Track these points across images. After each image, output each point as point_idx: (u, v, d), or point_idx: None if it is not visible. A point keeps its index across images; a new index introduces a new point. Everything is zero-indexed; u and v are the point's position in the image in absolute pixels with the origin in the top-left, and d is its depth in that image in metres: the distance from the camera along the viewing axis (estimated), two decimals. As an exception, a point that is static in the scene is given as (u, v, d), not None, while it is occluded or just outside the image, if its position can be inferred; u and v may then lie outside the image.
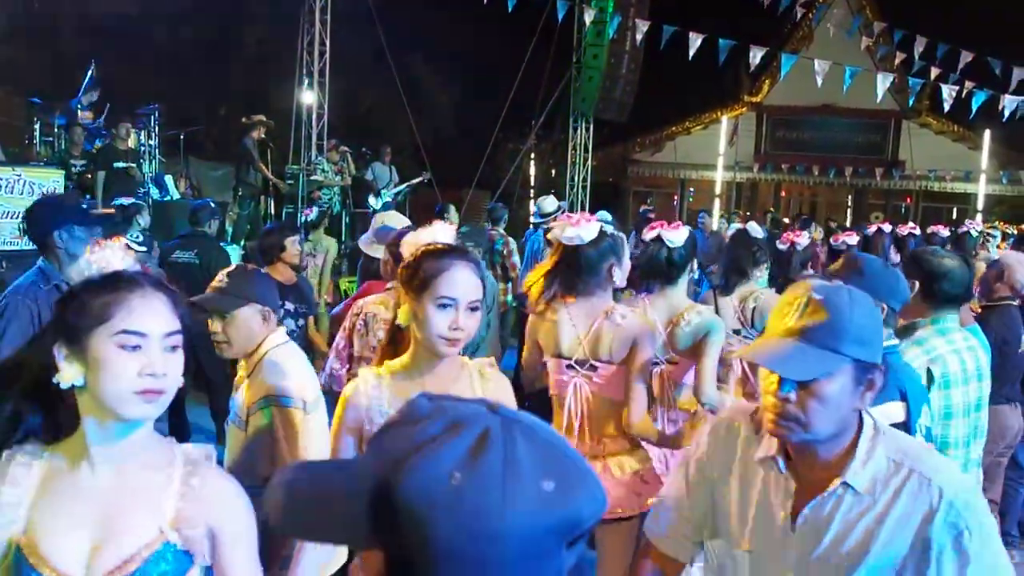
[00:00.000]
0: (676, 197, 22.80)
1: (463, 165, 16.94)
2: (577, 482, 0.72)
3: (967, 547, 1.30)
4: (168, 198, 11.25)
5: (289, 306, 4.66)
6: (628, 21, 11.67)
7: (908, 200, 21.91)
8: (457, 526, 0.68)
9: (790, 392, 1.35)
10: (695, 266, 3.11)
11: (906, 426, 2.12)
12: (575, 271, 2.66)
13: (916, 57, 10.18)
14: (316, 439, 2.33)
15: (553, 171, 20.70)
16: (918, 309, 2.67)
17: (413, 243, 1.97)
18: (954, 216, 21.36)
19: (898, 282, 2.37)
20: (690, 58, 9.56)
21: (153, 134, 12.96)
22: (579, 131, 15.21)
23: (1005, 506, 4.34)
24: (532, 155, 21.44)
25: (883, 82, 9.62)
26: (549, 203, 7.52)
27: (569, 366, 2.66)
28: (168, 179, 12.19)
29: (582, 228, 2.65)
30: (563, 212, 7.08)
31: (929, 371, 2.56)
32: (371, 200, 11.78)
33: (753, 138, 21.50)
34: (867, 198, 21.99)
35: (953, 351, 2.64)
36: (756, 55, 9.57)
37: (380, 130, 18.56)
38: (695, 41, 9.51)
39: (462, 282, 1.82)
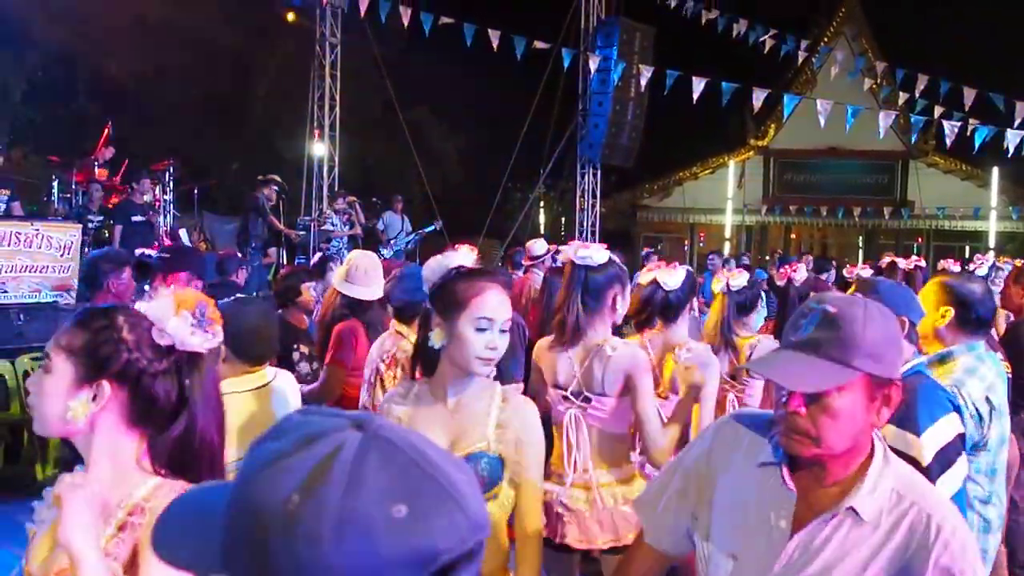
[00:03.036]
0: (687, 242, 22.88)
1: (473, 214, 17.13)
2: (437, 509, 0.64)
3: None
4: (182, 251, 11.41)
5: (304, 349, 4.69)
6: (632, 68, 11.88)
7: (919, 240, 21.89)
8: (292, 554, 0.61)
9: (801, 406, 1.32)
10: (696, 305, 3.13)
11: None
12: (583, 295, 2.65)
13: (918, 96, 10.28)
14: None
15: (563, 218, 20.87)
16: (954, 336, 2.59)
17: (439, 266, 1.98)
18: (966, 254, 21.33)
19: (914, 298, 2.35)
20: (694, 102, 9.70)
21: (168, 188, 13.22)
22: (587, 178, 15.35)
23: (1014, 542, 4.24)
24: (541, 203, 21.65)
25: (885, 121, 9.70)
26: (539, 246, 7.63)
27: (565, 397, 2.68)
28: (183, 232, 12.40)
29: (593, 250, 2.67)
30: (550, 254, 7.15)
31: (988, 399, 2.47)
32: (382, 250, 11.88)
33: (761, 181, 21.64)
34: (878, 238, 21.99)
35: (998, 375, 2.57)
36: (759, 97, 9.69)
37: (390, 181, 18.82)
38: (698, 85, 9.65)
39: (498, 304, 1.88)
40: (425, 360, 2.01)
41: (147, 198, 10.17)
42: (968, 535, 1.31)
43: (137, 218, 9.33)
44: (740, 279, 3.63)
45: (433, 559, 0.63)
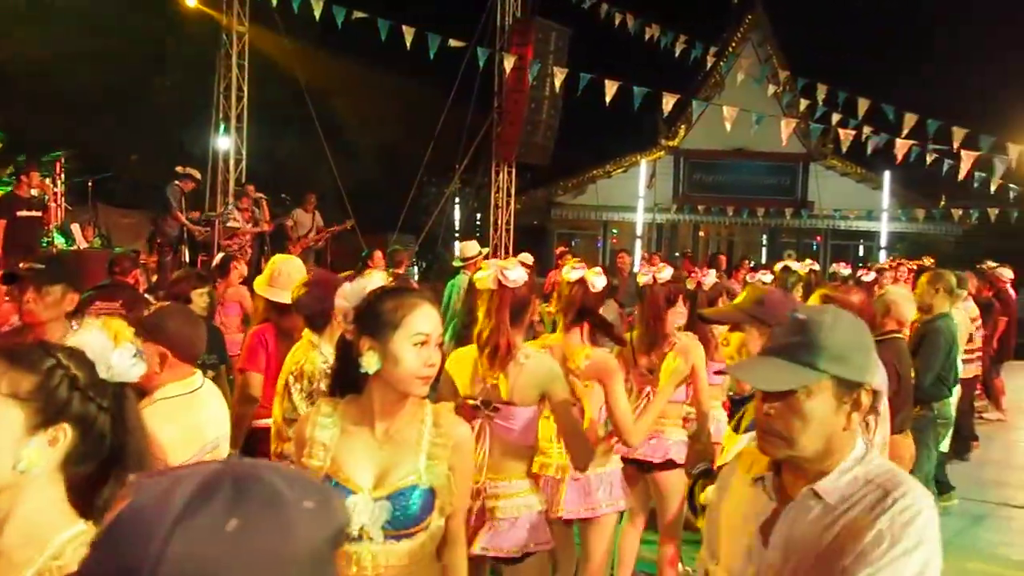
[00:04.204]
0: (600, 239, 23.23)
1: (387, 210, 16.92)
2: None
3: (901, 551, 1.29)
4: (73, 246, 10.89)
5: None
6: (547, 68, 11.96)
7: (818, 239, 22.85)
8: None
9: (772, 407, 1.40)
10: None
11: None
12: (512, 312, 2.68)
13: (819, 103, 10.73)
14: None
15: (478, 215, 20.86)
16: None
17: (350, 292, 1.92)
18: (860, 252, 22.43)
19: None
20: (607, 104, 9.85)
21: (59, 181, 12.55)
22: (501, 175, 15.40)
23: None
24: (456, 199, 21.57)
25: (786, 127, 10.10)
26: (471, 247, 7.66)
27: (475, 407, 2.69)
28: (75, 227, 11.80)
29: (516, 270, 2.68)
30: (482, 256, 7.22)
31: None
32: (289, 248, 11.60)
33: (671, 181, 22.15)
34: (780, 237, 22.85)
35: (882, 382, 2.74)
36: (668, 102, 9.92)
37: (302, 176, 18.38)
38: (611, 88, 9.80)
39: (431, 318, 1.85)
40: (346, 382, 1.93)
41: (35, 191, 9.63)
42: (923, 513, 1.33)
43: (23, 213, 8.81)
44: (666, 273, 3.71)
45: None
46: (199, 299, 4.64)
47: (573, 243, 23.06)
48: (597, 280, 3.05)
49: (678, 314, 3.68)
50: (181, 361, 2.43)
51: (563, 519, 3.03)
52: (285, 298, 3.64)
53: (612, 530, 3.15)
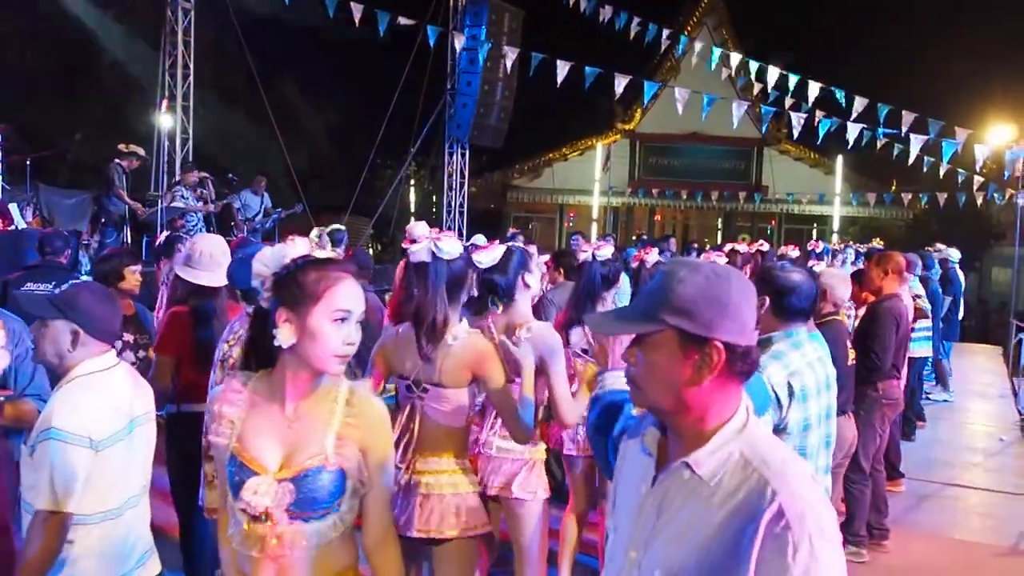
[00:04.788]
0: (556, 222, 23.22)
1: (340, 192, 16.63)
2: None
3: (789, 562, 1.21)
4: (12, 227, 10.46)
5: (128, 337, 4.36)
6: (500, 49, 11.78)
7: (772, 223, 23.12)
8: None
9: (630, 355, 1.40)
10: (535, 283, 3.10)
11: None
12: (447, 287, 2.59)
13: (769, 88, 10.74)
14: (112, 474, 2.23)
15: (434, 197, 20.66)
16: (770, 323, 2.71)
17: (271, 257, 1.79)
18: (813, 236, 22.72)
19: None
20: (558, 85, 9.72)
21: (-2, 160, 12.08)
22: (455, 157, 15.20)
23: (853, 509, 4.52)
24: (412, 182, 21.33)
25: (738, 110, 10.09)
26: (420, 228, 7.47)
27: (408, 387, 2.61)
28: (13, 207, 11.37)
29: (449, 243, 2.59)
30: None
31: (790, 385, 2.60)
32: (235, 231, 11.31)
33: (627, 164, 22.17)
34: (735, 221, 23.08)
35: (808, 364, 2.69)
36: (620, 83, 9.82)
37: (252, 157, 17.96)
38: (563, 69, 9.67)
39: (354, 295, 1.75)
40: (260, 355, 1.82)
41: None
42: (813, 507, 1.26)
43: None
44: (606, 250, 3.65)
45: None
46: (131, 277, 4.44)
47: (531, 226, 23.00)
48: (484, 258, 2.93)
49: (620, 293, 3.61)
50: (95, 339, 2.33)
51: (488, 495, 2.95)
52: (205, 280, 3.47)
53: (537, 515, 3.01)
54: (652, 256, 4.30)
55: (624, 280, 4.14)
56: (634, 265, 4.08)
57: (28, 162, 12.98)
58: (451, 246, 2.57)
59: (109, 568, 2.27)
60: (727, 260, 5.73)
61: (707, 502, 1.31)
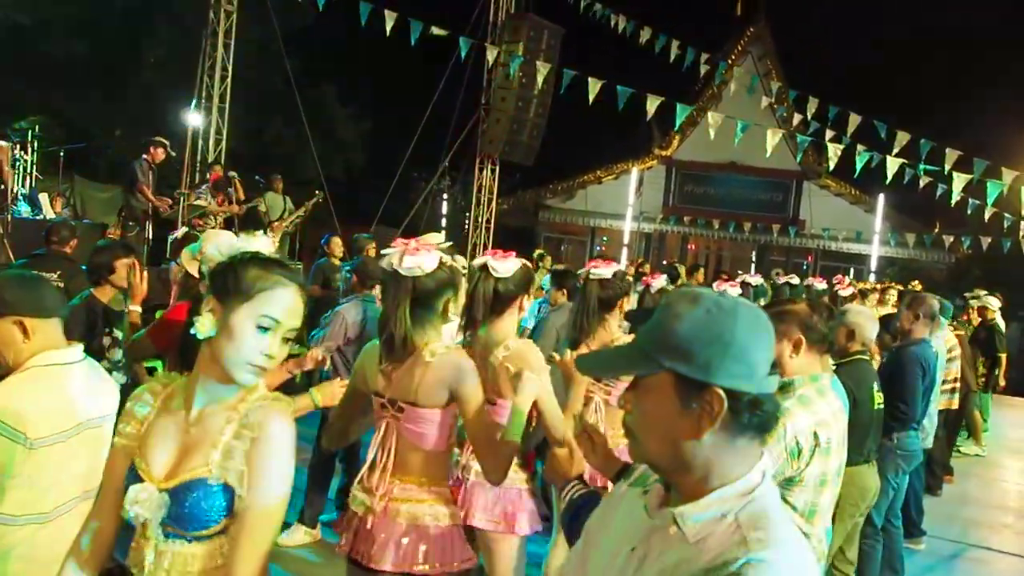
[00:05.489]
0: (588, 245, 23.02)
1: (372, 201, 16.60)
2: None
3: None
4: (40, 217, 10.55)
5: (117, 334, 4.22)
6: (533, 65, 11.63)
7: (809, 258, 22.62)
8: None
9: (627, 401, 1.22)
10: (527, 305, 2.87)
11: None
12: (412, 304, 2.39)
13: (808, 117, 10.43)
14: (48, 476, 2.07)
15: (467, 213, 20.61)
16: (792, 366, 2.50)
17: (226, 243, 1.66)
18: (851, 275, 22.17)
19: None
20: (590, 103, 9.52)
21: (30, 149, 12.25)
22: (484, 173, 15.07)
23: (863, 566, 4.16)
24: (445, 196, 21.27)
25: (772, 137, 9.78)
26: (433, 238, 7.26)
27: (383, 405, 2.43)
28: (43, 197, 11.50)
29: (421, 257, 2.37)
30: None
31: (816, 435, 2.37)
32: (268, 233, 11.26)
33: (662, 191, 21.89)
34: (770, 254, 22.60)
35: (832, 414, 2.48)
36: (653, 104, 9.59)
37: (286, 162, 18.03)
38: (595, 87, 9.47)
39: (290, 306, 1.60)
40: (188, 350, 1.70)
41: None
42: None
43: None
44: (604, 270, 3.41)
45: None
46: (121, 270, 4.33)
47: (563, 248, 22.80)
48: (499, 265, 2.76)
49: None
50: (43, 319, 2.20)
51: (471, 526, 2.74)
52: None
53: (514, 551, 2.79)
54: (658, 282, 4.03)
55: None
56: (638, 289, 3.81)
57: (62, 154, 13.21)
58: (413, 261, 2.35)
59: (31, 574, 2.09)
60: (740, 293, 5.43)
61: (687, 564, 1.10)
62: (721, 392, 1.11)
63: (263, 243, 1.70)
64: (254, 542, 1.57)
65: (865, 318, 3.62)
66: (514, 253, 2.87)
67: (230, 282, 1.58)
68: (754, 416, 1.13)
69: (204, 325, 1.58)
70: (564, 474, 1.83)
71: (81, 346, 2.33)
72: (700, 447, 1.13)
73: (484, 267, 2.77)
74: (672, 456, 1.16)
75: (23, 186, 11.83)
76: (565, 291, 4.71)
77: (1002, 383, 8.42)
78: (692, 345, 1.12)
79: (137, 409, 1.67)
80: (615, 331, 3.41)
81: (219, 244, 1.68)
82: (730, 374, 1.11)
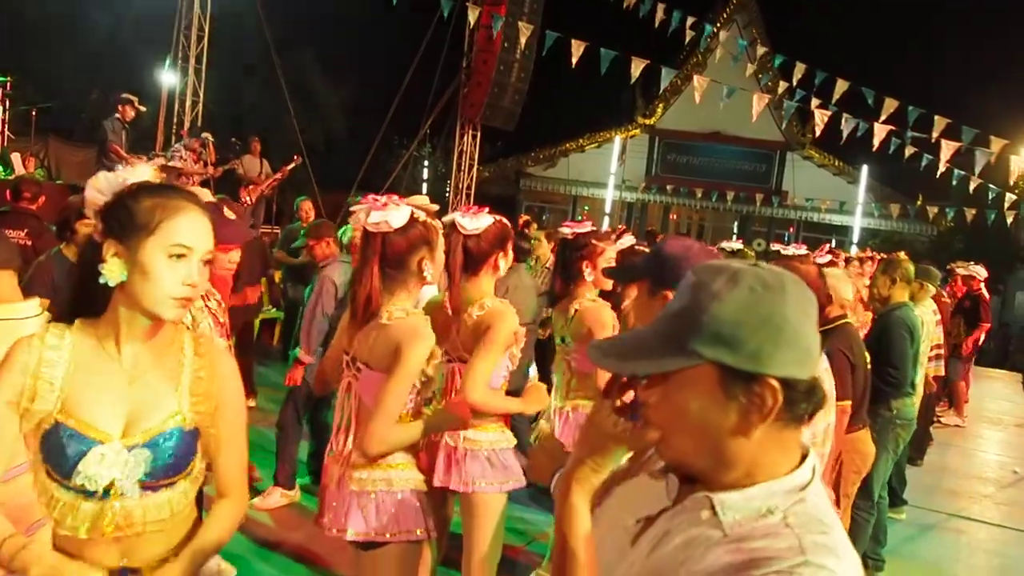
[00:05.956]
0: (569, 214, 22.86)
1: (351, 167, 16.36)
2: None
3: None
4: (11, 175, 10.31)
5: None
6: (515, 28, 11.37)
7: (791, 229, 22.61)
8: None
9: (651, 395, 1.05)
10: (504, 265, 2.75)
11: None
12: (381, 262, 2.28)
13: (794, 84, 10.27)
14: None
15: (449, 180, 20.39)
16: None
17: (105, 182, 1.52)
18: (832, 245, 22.19)
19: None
20: (572, 66, 9.30)
21: (2, 107, 11.96)
22: (465, 138, 14.82)
23: (852, 536, 4.09)
24: (426, 163, 20.99)
25: (759, 102, 9.60)
26: (419, 199, 7.11)
27: (347, 363, 2.36)
28: (15, 157, 11.27)
29: (389, 213, 2.25)
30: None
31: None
32: (242, 195, 11.05)
33: (645, 160, 21.71)
34: (752, 224, 22.55)
35: (825, 370, 2.39)
36: (637, 67, 9.38)
37: (263, 126, 17.68)
38: (577, 50, 9.25)
39: (197, 229, 1.52)
40: (84, 301, 1.54)
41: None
42: None
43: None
44: (584, 227, 3.37)
45: None
46: (83, 230, 4.14)
47: (544, 217, 22.62)
48: (468, 222, 2.64)
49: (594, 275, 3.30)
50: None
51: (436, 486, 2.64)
52: None
53: (494, 514, 2.69)
54: (625, 240, 3.91)
55: None
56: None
57: (34, 113, 12.92)
58: (379, 217, 2.24)
59: None
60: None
61: (722, 557, 0.96)
62: (775, 383, 0.96)
63: (144, 171, 1.59)
64: (241, 477, 1.71)
65: (837, 279, 3.50)
66: (487, 209, 2.72)
67: (125, 219, 1.48)
68: (809, 405, 0.99)
69: (113, 270, 1.47)
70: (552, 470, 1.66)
71: (37, 300, 2.24)
72: (746, 444, 1.00)
73: (452, 224, 2.63)
74: (712, 456, 1.03)
75: (-11, 145, 11.60)
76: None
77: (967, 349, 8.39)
78: (737, 331, 0.97)
79: (45, 371, 1.49)
80: (592, 291, 3.32)
81: (98, 185, 1.54)
82: (784, 362, 0.96)
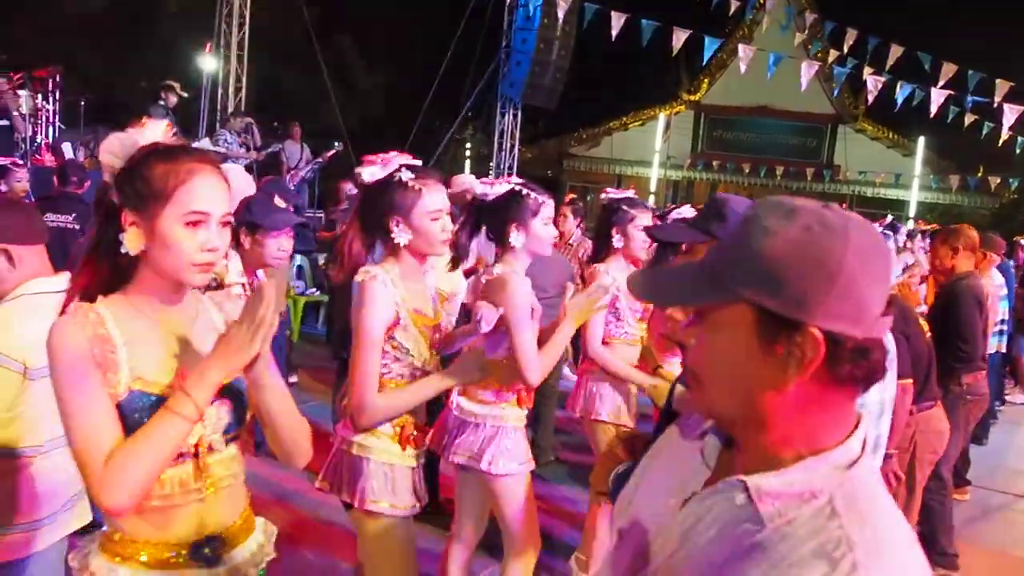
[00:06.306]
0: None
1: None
2: None
3: None
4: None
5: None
6: (555, 3, 11.18)
7: (844, 205, 21.93)
8: None
9: (691, 335, 0.97)
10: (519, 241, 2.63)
11: None
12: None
13: (844, 52, 9.87)
14: (41, 406, 2.01)
15: (491, 161, 20.36)
16: None
17: (117, 144, 1.47)
18: (888, 219, 21.54)
19: None
20: (613, 39, 9.08)
21: (52, 98, 12.26)
22: (507, 118, 14.69)
23: (935, 522, 3.90)
24: (468, 144, 20.94)
25: (808, 70, 9.25)
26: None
27: None
28: (67, 146, 11.53)
29: (375, 168, 2.27)
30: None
31: None
32: (287, 181, 11.15)
33: (690, 136, 21.31)
34: (802, 201, 22.03)
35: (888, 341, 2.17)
36: (679, 38, 9.11)
37: (304, 112, 17.84)
38: (618, 21, 9.02)
39: (212, 191, 1.49)
40: (110, 272, 1.50)
41: (23, 105, 9.19)
42: None
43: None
44: (617, 195, 3.44)
45: None
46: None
47: (588, 197, 22.40)
48: (480, 187, 2.61)
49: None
50: (28, 245, 2.17)
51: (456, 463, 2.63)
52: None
53: (520, 492, 2.59)
54: (684, 210, 3.76)
55: None
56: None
57: (83, 103, 13.21)
58: (370, 172, 2.23)
59: (23, 508, 2.08)
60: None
61: (754, 551, 0.85)
62: (818, 334, 0.85)
63: (155, 131, 1.54)
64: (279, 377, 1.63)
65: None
66: (512, 177, 2.64)
67: (140, 187, 1.46)
68: (858, 368, 0.87)
69: (132, 241, 1.47)
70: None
71: (68, 275, 2.20)
72: (782, 400, 0.89)
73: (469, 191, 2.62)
74: (745, 408, 0.93)
75: (46, 135, 11.92)
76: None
77: None
78: (784, 272, 0.86)
79: (116, 335, 1.46)
80: (637, 252, 3.35)
81: (111, 148, 1.50)
82: (832, 313, 0.85)
